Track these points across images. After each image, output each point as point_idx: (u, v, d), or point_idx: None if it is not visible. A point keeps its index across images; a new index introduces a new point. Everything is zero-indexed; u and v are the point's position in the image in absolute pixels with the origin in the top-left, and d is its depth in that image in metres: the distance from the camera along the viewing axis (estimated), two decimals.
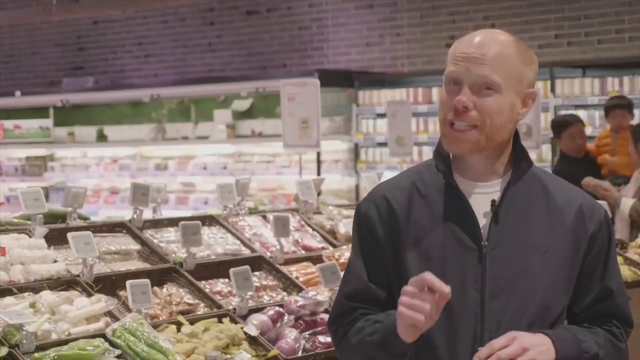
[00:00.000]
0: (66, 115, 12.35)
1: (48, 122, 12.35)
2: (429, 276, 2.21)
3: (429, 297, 2.21)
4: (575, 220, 2.44)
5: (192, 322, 3.90)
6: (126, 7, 11.48)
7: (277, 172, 10.31)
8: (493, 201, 2.41)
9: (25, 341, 3.40)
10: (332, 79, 10.11)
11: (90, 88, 12.30)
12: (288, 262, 4.67)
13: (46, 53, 13.89)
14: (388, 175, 8.97)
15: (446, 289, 2.20)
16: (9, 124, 12.43)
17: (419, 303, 2.21)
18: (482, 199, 2.42)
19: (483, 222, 2.41)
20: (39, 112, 12.42)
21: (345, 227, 5.05)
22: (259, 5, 12.01)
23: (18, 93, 12.30)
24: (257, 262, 4.58)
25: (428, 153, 9.85)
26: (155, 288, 4.10)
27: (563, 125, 8.17)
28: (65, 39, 13.67)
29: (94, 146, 11.99)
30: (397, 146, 8.05)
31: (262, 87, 10.45)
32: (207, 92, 11.21)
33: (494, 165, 2.45)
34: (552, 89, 9.06)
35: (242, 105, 11.06)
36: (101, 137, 11.97)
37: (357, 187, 10.19)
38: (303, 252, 4.83)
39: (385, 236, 2.45)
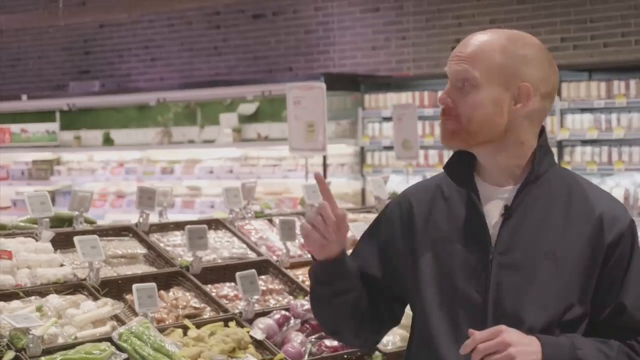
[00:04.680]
0: (72, 119, 12.37)
1: (54, 126, 12.37)
2: (322, 203, 2.39)
3: (321, 220, 2.39)
4: (592, 229, 2.36)
5: (198, 326, 3.90)
6: (132, 11, 11.49)
7: (283, 176, 10.31)
8: (506, 206, 2.41)
9: (31, 345, 3.40)
10: (338, 82, 10.11)
11: (96, 92, 12.33)
12: (294, 265, 4.67)
13: (52, 57, 13.91)
14: (394, 178, 8.99)
15: (332, 216, 2.37)
16: (15, 127, 12.46)
17: (312, 226, 2.40)
18: (499, 204, 2.42)
19: (497, 227, 2.41)
20: (45, 115, 12.44)
21: (351, 230, 5.05)
22: (265, 9, 12.02)
23: (24, 97, 12.32)
24: (263, 266, 4.58)
25: (434, 156, 9.85)
26: (162, 292, 4.10)
27: None
28: (71, 42, 13.69)
29: (100, 150, 12.00)
30: (403, 149, 8.06)
31: (268, 90, 10.46)
32: (213, 96, 11.22)
33: (509, 168, 2.43)
34: (558, 93, 9.05)
35: (248, 109, 11.06)
36: (107, 141, 11.99)
37: (363, 191, 10.19)
38: (309, 255, 4.82)
39: (401, 239, 2.50)
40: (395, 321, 2.62)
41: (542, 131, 2.47)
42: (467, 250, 2.40)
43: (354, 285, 2.50)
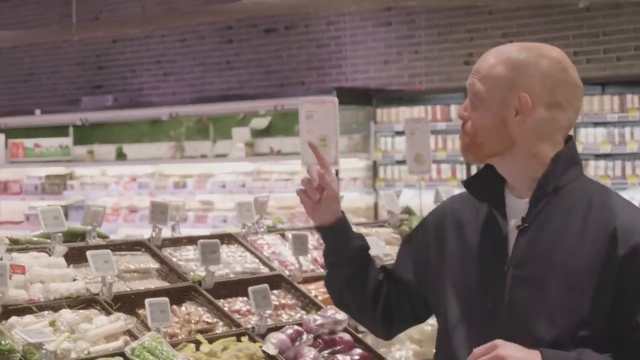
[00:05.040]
0: (85, 134, 12.40)
1: (67, 141, 12.40)
2: (321, 175, 2.61)
3: (307, 181, 2.65)
4: (606, 242, 2.30)
5: (210, 341, 3.90)
6: (145, 26, 11.53)
7: (296, 190, 10.30)
8: (523, 219, 2.40)
9: None
10: (351, 96, 10.12)
11: (109, 106, 12.36)
12: (307, 280, 4.66)
13: (66, 72, 13.96)
14: (406, 192, 8.98)
15: (315, 177, 2.62)
16: (29, 142, 12.49)
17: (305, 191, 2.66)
18: (519, 216, 2.42)
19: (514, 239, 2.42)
20: (58, 130, 12.48)
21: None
22: (277, 23, 12.04)
23: (38, 112, 12.37)
24: (276, 281, 4.58)
25: (447, 170, 9.84)
26: (174, 306, 4.09)
27: None
28: (84, 57, 13.74)
29: (113, 164, 12.02)
30: (416, 164, 8.04)
31: (281, 105, 10.47)
32: (225, 110, 11.24)
33: (526, 180, 2.42)
34: None
35: (261, 123, 11.07)
36: (120, 156, 12.01)
37: (375, 205, 10.18)
38: (322, 270, 4.81)
39: (433, 247, 2.57)
40: (418, 319, 2.72)
41: (568, 141, 2.43)
42: (487, 263, 2.42)
43: (351, 259, 2.66)
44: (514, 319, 2.35)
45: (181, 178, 11.31)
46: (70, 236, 4.39)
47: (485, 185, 2.49)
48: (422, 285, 2.60)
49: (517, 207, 2.43)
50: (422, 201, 6.56)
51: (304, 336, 4.05)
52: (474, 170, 9.73)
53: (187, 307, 4.17)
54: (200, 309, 4.18)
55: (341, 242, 2.66)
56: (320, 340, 4.11)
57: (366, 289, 2.65)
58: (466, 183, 2.55)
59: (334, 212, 2.65)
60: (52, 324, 3.66)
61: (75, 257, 4.24)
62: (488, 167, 2.50)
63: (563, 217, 2.36)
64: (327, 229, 2.66)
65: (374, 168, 10.32)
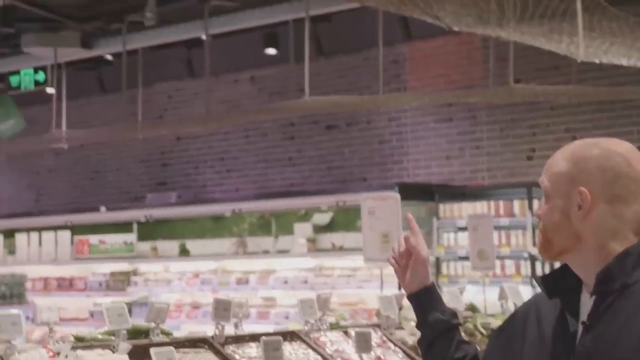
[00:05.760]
0: (149, 230, 12.53)
1: (132, 237, 12.53)
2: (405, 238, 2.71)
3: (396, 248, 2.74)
4: None
5: None
6: (209, 124, 11.71)
7: (358, 287, 10.26)
8: (588, 315, 2.37)
9: None
10: (413, 192, 10.12)
11: (172, 203, 12.50)
12: None
13: (131, 169, 14.19)
14: (470, 289, 8.88)
15: (403, 244, 2.72)
16: (94, 239, 12.65)
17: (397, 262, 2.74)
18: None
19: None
20: (123, 227, 12.62)
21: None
22: (339, 120, 12.15)
23: (103, 208, 12.54)
24: None
25: (511, 266, 9.74)
26: None
27: None
28: (149, 155, 13.97)
29: (176, 260, 12.10)
30: (479, 260, 7.97)
31: (343, 200, 10.50)
32: (287, 206, 11.29)
33: (589, 277, 2.39)
34: None
35: (323, 219, 11.10)
36: (183, 252, 12.09)
37: None
38: None
39: (519, 339, 2.54)
40: None
41: None
42: (557, 358, 2.40)
43: (433, 330, 2.68)
44: None
45: (244, 274, 11.34)
46: (134, 333, 4.40)
47: (559, 283, 2.47)
48: None
49: (588, 303, 2.40)
50: (486, 298, 6.47)
51: None
52: (538, 266, 9.62)
53: None
54: None
55: (422, 312, 2.70)
56: None
57: None
58: (540, 279, 2.53)
59: (421, 278, 2.69)
60: None
61: (139, 355, 4.24)
62: (565, 264, 2.48)
63: (628, 314, 2.30)
64: (412, 298, 2.70)
65: (437, 264, 10.26)
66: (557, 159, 2.43)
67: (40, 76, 12.34)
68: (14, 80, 12.42)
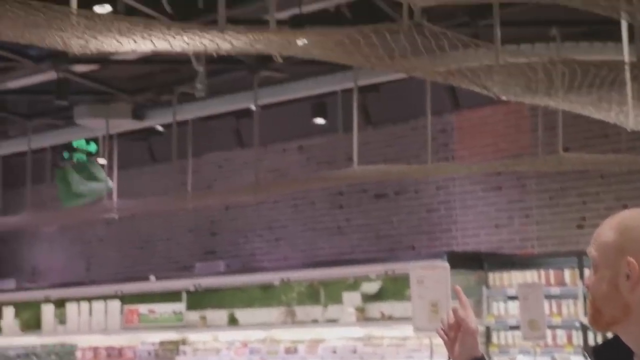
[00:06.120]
0: (198, 299, 12.55)
1: (181, 306, 12.55)
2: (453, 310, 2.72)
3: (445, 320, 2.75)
4: None
5: None
6: (257, 193, 11.79)
7: (408, 356, 10.18)
8: None
9: None
10: (462, 261, 10.07)
11: (221, 272, 12.53)
12: None
13: (180, 238, 14.28)
14: (521, 359, 8.77)
15: (452, 316, 2.71)
16: (143, 308, 12.69)
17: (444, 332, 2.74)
18: None
19: None
20: (172, 296, 12.66)
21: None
22: (387, 189, 12.17)
23: (152, 278, 12.60)
24: None
25: (562, 336, 9.62)
26: None
27: None
28: (198, 224, 14.06)
29: (225, 330, 12.09)
30: (530, 329, 7.90)
31: (391, 269, 10.47)
32: (336, 275, 11.27)
33: (637, 348, 2.37)
34: None
35: (371, 287, 11.06)
36: (232, 321, 12.08)
37: None
38: None
39: None
40: None
41: None
42: None
43: None
44: None
45: (292, 343, 11.29)
46: None
47: (611, 354, 2.45)
48: None
49: None
50: None
51: None
52: (590, 336, 9.49)
53: None
54: None
55: None
56: None
57: None
58: (591, 350, 2.51)
59: (470, 350, 2.68)
60: None
61: None
62: (617, 335, 2.46)
63: None
64: None
65: (487, 333, 10.15)
66: (604, 228, 2.41)
67: (92, 147, 12.52)
68: (66, 151, 12.61)
